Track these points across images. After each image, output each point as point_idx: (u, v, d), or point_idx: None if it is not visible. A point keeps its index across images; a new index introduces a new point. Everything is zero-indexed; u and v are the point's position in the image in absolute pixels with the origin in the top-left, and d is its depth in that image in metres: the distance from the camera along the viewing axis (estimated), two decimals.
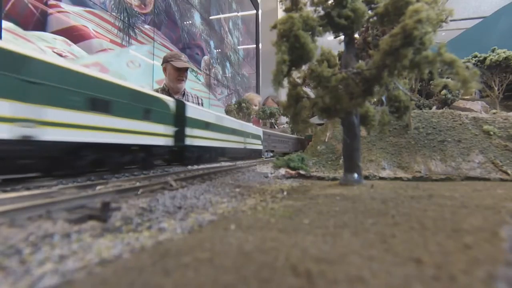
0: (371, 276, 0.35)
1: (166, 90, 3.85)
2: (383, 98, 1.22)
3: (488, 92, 3.42)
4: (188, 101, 3.74)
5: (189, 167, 1.93)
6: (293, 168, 1.67)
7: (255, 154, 3.80)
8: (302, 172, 1.62)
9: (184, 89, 4.00)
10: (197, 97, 4.16)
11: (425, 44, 0.90)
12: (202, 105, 3.93)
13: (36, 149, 1.13)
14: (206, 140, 2.47)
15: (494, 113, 2.18)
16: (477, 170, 1.55)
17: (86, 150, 1.34)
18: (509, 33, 5.28)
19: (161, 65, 3.90)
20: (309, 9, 1.14)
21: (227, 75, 8.07)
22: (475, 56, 3.42)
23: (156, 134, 1.78)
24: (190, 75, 5.95)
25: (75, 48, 3.22)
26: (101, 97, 1.40)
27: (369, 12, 1.17)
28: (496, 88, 3.35)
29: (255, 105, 6.43)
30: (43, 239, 0.50)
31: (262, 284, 0.34)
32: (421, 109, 2.25)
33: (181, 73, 3.77)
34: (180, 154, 2.04)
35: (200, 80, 6.27)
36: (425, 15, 0.86)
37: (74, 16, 3.27)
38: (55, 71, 1.20)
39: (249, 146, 3.63)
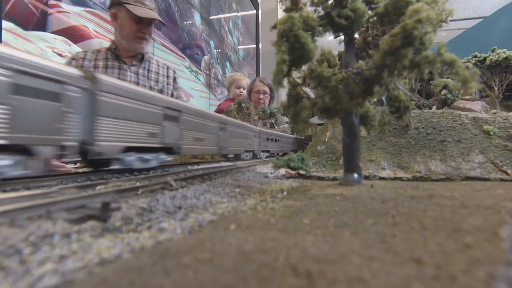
0: (371, 276, 0.35)
1: (112, 51, 2.53)
2: (383, 98, 1.22)
3: (488, 92, 3.42)
4: (151, 70, 2.73)
5: (189, 167, 1.93)
6: (293, 168, 1.67)
7: None
8: (302, 172, 1.62)
9: (145, 53, 2.66)
10: (167, 68, 2.93)
11: (425, 44, 0.90)
12: (175, 79, 3.00)
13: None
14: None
15: (494, 113, 2.18)
16: (477, 170, 1.55)
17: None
18: (509, 33, 5.28)
19: (108, 9, 2.57)
20: (309, 9, 1.14)
21: (227, 75, 8.07)
22: (475, 56, 3.42)
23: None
24: (190, 75, 5.95)
25: (75, 48, 3.23)
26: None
27: (369, 12, 1.17)
28: (496, 88, 3.35)
29: (243, 88, 5.17)
30: (43, 239, 0.50)
31: (262, 284, 0.34)
32: (421, 109, 2.25)
33: (143, 26, 2.45)
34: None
35: (200, 80, 6.27)
36: (425, 15, 0.86)
37: (74, 16, 3.27)
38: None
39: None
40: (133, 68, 2.61)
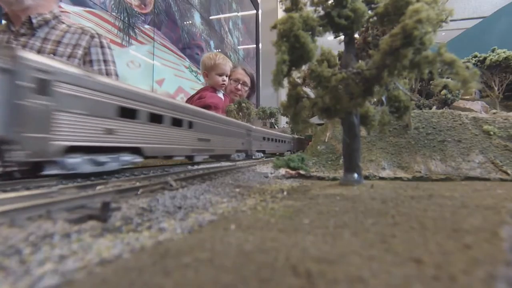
0: (371, 276, 0.35)
1: (5, 16, 2.04)
2: (383, 98, 1.22)
3: (488, 92, 3.43)
4: (49, 40, 2.08)
5: (189, 167, 1.93)
6: (293, 168, 1.67)
7: None
8: (302, 172, 1.62)
9: (36, 15, 2.01)
10: (80, 34, 2.20)
11: (425, 44, 0.90)
12: (90, 49, 2.24)
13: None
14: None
15: (494, 113, 2.18)
16: (477, 170, 1.54)
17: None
18: (509, 33, 5.28)
19: None
20: (309, 9, 1.14)
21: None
22: (475, 56, 3.42)
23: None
24: (190, 75, 5.94)
25: None
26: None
27: (369, 12, 1.17)
28: (496, 88, 3.35)
29: (227, 76, 4.23)
30: (43, 239, 0.50)
31: (262, 284, 0.34)
32: (421, 109, 2.25)
33: None
34: None
35: (200, 80, 6.27)
36: (425, 15, 0.86)
37: (74, 16, 3.27)
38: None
39: None
40: (22, 39, 1.97)
